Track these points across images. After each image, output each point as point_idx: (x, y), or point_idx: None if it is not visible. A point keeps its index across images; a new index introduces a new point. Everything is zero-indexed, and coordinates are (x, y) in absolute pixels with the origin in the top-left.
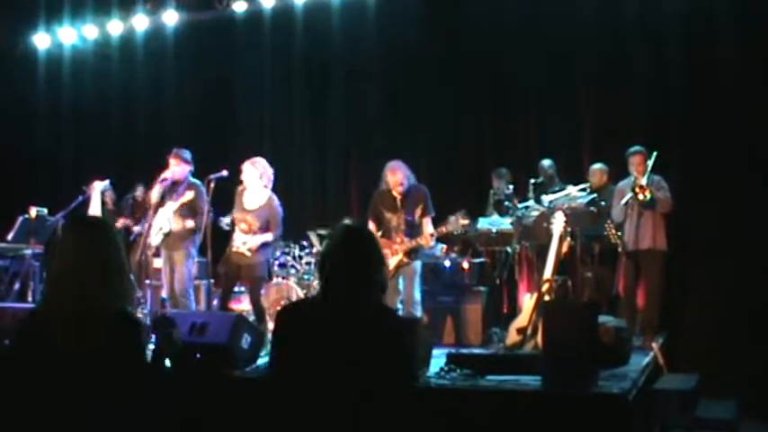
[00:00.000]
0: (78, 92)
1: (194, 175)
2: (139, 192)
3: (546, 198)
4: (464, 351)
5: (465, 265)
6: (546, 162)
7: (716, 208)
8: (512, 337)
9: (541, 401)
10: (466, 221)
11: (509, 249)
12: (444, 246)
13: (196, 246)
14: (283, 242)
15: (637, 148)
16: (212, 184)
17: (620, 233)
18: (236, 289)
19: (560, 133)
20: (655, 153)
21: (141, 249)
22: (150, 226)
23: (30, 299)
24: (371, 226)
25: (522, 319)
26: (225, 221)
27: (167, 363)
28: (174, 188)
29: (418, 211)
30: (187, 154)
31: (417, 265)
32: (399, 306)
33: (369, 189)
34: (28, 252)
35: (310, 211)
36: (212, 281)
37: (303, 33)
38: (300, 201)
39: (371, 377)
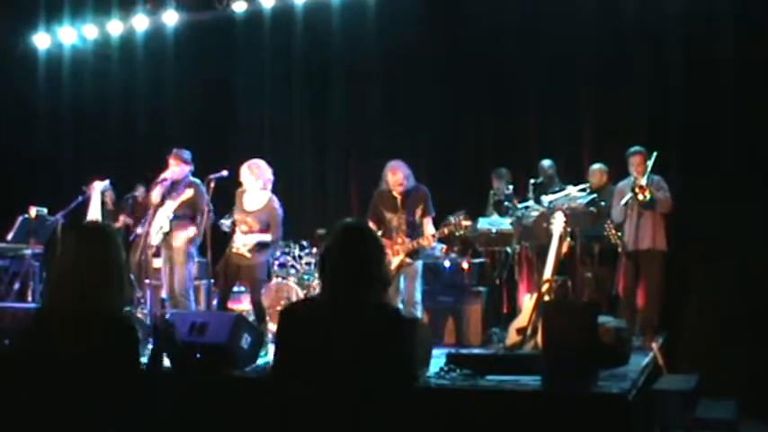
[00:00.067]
0: (78, 92)
1: (194, 175)
2: (140, 191)
3: (546, 198)
4: (464, 351)
5: (465, 265)
6: (546, 162)
7: (716, 208)
8: (511, 337)
9: (541, 402)
10: (468, 222)
11: (509, 249)
12: (444, 246)
13: (196, 246)
14: (283, 242)
15: (636, 148)
16: (212, 184)
17: (619, 233)
18: (235, 289)
19: (560, 133)
20: (654, 153)
21: (141, 249)
22: (150, 226)
23: (29, 299)
24: (371, 226)
25: (521, 320)
26: (225, 224)
27: (167, 363)
28: (173, 188)
29: (419, 212)
30: (187, 154)
31: (419, 265)
32: (400, 306)
33: (369, 189)
34: (28, 252)
35: (310, 211)
36: (212, 281)
37: (303, 33)
38: (300, 201)
39: (372, 377)
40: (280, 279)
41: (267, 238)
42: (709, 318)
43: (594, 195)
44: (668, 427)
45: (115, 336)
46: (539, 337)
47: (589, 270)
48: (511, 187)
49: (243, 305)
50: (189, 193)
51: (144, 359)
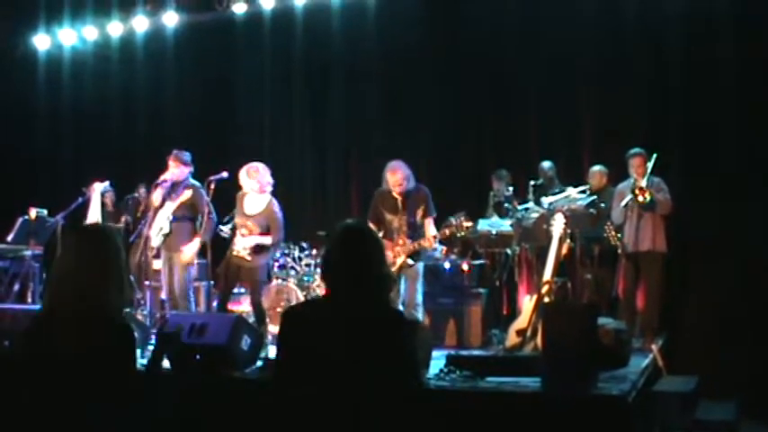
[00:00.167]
0: (78, 93)
1: (194, 176)
2: (141, 192)
3: (546, 200)
4: (464, 353)
5: (465, 266)
6: (546, 164)
7: (716, 208)
8: (511, 338)
9: (541, 403)
10: (469, 224)
11: (509, 251)
12: (444, 247)
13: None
14: (284, 244)
15: (636, 150)
16: (212, 186)
17: (619, 235)
18: (235, 290)
19: (560, 134)
20: (654, 155)
21: (141, 251)
22: (150, 227)
23: (29, 300)
24: (372, 227)
25: (521, 321)
26: (225, 229)
27: (167, 364)
28: (173, 190)
29: (420, 212)
30: (186, 156)
31: (420, 267)
32: (401, 308)
33: (369, 189)
34: (28, 253)
35: (310, 211)
36: (212, 283)
37: (303, 34)
38: (300, 202)
39: (373, 378)
40: (280, 281)
41: (267, 240)
42: (708, 319)
43: (594, 197)
44: (668, 429)
45: (113, 337)
46: (538, 339)
47: (589, 272)
48: (511, 189)
49: (243, 307)
50: (187, 194)
51: (144, 360)
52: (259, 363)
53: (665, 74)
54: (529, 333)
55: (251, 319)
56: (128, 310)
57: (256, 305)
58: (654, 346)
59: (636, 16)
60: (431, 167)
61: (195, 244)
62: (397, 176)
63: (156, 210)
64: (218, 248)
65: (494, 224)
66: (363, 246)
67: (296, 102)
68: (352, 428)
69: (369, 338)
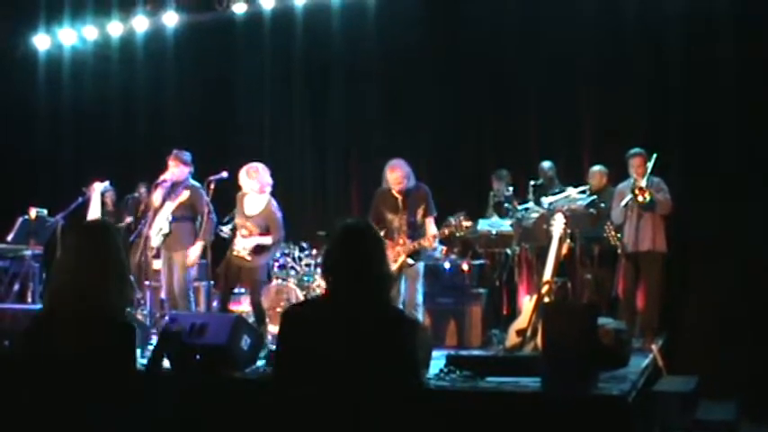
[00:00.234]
0: (78, 93)
1: (194, 176)
2: (142, 191)
3: (546, 200)
4: (464, 353)
5: (465, 266)
6: (546, 164)
7: (716, 208)
8: (511, 338)
9: (541, 403)
10: (468, 223)
11: (509, 251)
12: (444, 247)
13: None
14: (284, 243)
15: (636, 150)
16: (212, 186)
17: (619, 235)
18: (235, 290)
19: (560, 134)
20: (654, 155)
21: (141, 251)
22: (150, 227)
23: (29, 300)
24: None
25: (521, 321)
26: (225, 230)
27: (167, 364)
28: (173, 190)
29: (420, 212)
30: (186, 156)
31: (420, 267)
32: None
33: (369, 190)
34: (28, 253)
35: (310, 211)
36: (212, 282)
37: (303, 34)
38: (300, 201)
39: (374, 377)
40: (280, 281)
41: (268, 240)
42: (709, 319)
43: (594, 197)
44: (668, 429)
45: (114, 335)
46: (538, 339)
47: (589, 272)
48: (511, 189)
49: (242, 306)
50: (185, 195)
51: (144, 360)
52: (261, 362)
53: (665, 74)
54: (529, 333)
55: (251, 319)
56: (128, 309)
57: (256, 305)
58: (654, 346)
59: (636, 16)
60: (431, 167)
61: (198, 247)
62: (396, 174)
63: (156, 210)
64: (218, 249)
65: (494, 224)
66: (364, 244)
67: (296, 102)
68: (353, 428)
69: (369, 337)
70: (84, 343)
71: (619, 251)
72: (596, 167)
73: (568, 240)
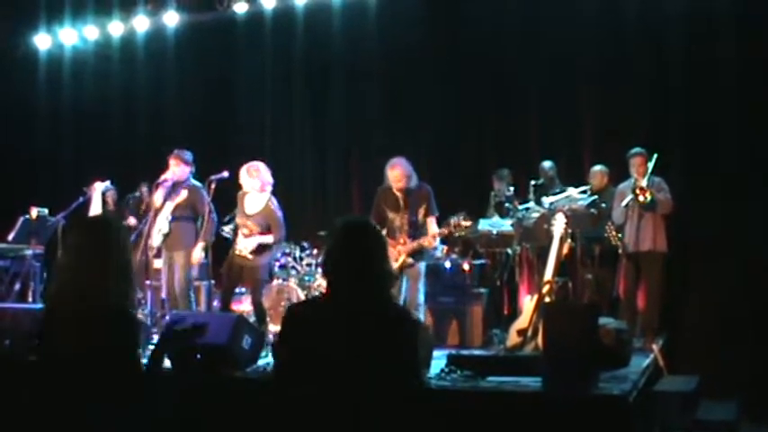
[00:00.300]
0: (79, 92)
1: (195, 175)
2: (143, 190)
3: (546, 200)
4: (464, 352)
5: (466, 266)
6: (546, 164)
7: (716, 208)
8: (512, 338)
9: (542, 403)
10: (467, 223)
11: (510, 251)
12: (445, 247)
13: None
14: (285, 243)
15: (637, 149)
16: (213, 185)
17: (620, 235)
18: (236, 290)
19: (561, 134)
20: (655, 155)
21: (142, 250)
22: (151, 227)
23: (30, 299)
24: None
25: (522, 321)
26: (227, 230)
27: (167, 363)
28: (174, 189)
29: (422, 211)
30: (187, 155)
31: (422, 266)
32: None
33: (370, 189)
34: (28, 253)
35: (311, 211)
36: (213, 282)
37: (304, 34)
38: (301, 201)
39: (375, 376)
40: (281, 280)
41: (269, 239)
42: (709, 319)
43: (595, 197)
44: (669, 429)
45: (115, 331)
46: (539, 339)
47: (590, 272)
48: (512, 189)
49: (244, 306)
50: (183, 194)
51: (144, 360)
52: (262, 360)
53: (665, 73)
54: (530, 333)
55: (252, 319)
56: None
57: (257, 304)
58: (655, 346)
59: (636, 16)
60: (432, 167)
61: (199, 248)
62: (395, 173)
63: (157, 210)
64: (219, 248)
65: (495, 224)
66: (365, 242)
67: (296, 101)
68: (353, 428)
69: (370, 336)
70: (86, 341)
71: (620, 251)
72: (597, 167)
73: (569, 240)
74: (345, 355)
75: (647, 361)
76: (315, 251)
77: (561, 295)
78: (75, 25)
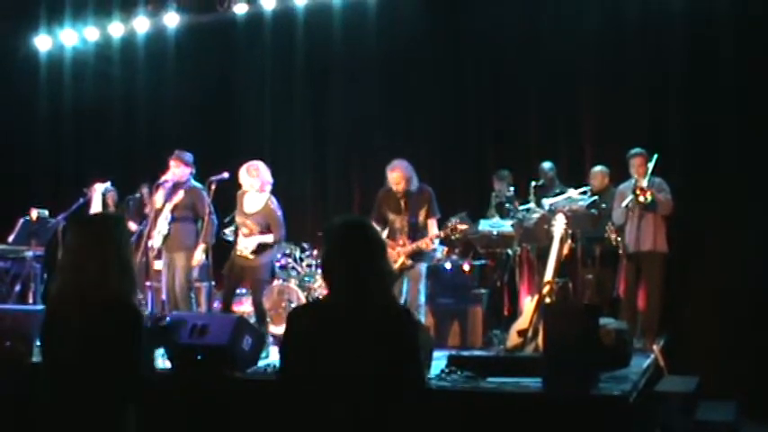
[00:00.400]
0: (79, 94)
1: (196, 176)
2: (144, 191)
3: (547, 201)
4: (465, 353)
5: (466, 267)
6: (546, 164)
7: (716, 208)
8: (512, 339)
9: (542, 403)
10: (463, 226)
11: (510, 251)
12: (445, 247)
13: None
14: (285, 243)
15: (637, 150)
16: (213, 186)
17: (620, 236)
18: (237, 291)
19: (561, 135)
20: (655, 155)
21: (142, 251)
22: (151, 229)
23: (30, 301)
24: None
25: (522, 322)
26: (228, 232)
27: (167, 364)
28: (174, 190)
29: (423, 213)
30: (188, 156)
31: (422, 268)
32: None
33: (370, 191)
34: (29, 254)
35: (311, 211)
36: (213, 283)
37: (304, 35)
38: (301, 202)
39: (375, 375)
40: (281, 281)
41: (269, 239)
42: (709, 319)
43: (595, 198)
44: (669, 429)
45: (120, 320)
46: (540, 339)
47: (590, 272)
48: (512, 189)
49: (244, 307)
50: (180, 195)
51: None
52: (262, 364)
53: (665, 74)
54: (530, 333)
55: (252, 320)
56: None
57: (258, 305)
58: (655, 347)
59: (636, 16)
60: (432, 168)
61: (200, 250)
62: (395, 175)
63: (158, 211)
64: (220, 250)
65: (495, 225)
66: (363, 240)
67: (297, 102)
68: (354, 428)
69: (371, 335)
70: (88, 338)
71: (620, 251)
72: (598, 168)
73: (569, 241)
74: (346, 354)
75: (648, 361)
76: (315, 252)
77: (561, 296)
78: (76, 26)
